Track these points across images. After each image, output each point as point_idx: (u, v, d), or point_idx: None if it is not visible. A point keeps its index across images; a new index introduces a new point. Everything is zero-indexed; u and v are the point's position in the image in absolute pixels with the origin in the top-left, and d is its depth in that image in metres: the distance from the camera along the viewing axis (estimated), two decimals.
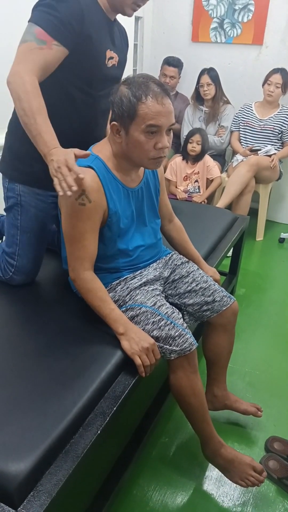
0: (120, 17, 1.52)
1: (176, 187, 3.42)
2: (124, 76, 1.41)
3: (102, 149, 1.39)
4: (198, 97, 3.56)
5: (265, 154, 3.32)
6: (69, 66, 1.37)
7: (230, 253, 2.54)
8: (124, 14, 1.47)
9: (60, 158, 1.20)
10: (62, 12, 1.28)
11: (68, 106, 1.45)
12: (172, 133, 1.36)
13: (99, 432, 1.07)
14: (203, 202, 3.30)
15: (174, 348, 1.32)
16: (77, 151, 1.21)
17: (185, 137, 3.42)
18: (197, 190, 3.39)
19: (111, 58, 1.49)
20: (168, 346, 1.32)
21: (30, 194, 1.52)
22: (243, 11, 3.57)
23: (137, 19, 3.69)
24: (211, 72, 3.42)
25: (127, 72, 2.79)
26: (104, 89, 1.50)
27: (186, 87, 3.74)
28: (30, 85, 1.25)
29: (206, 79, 3.42)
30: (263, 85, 3.37)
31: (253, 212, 3.42)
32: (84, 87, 1.44)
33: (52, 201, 1.54)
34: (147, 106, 1.24)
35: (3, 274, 1.61)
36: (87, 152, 1.23)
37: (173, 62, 3.63)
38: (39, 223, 1.57)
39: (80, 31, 1.33)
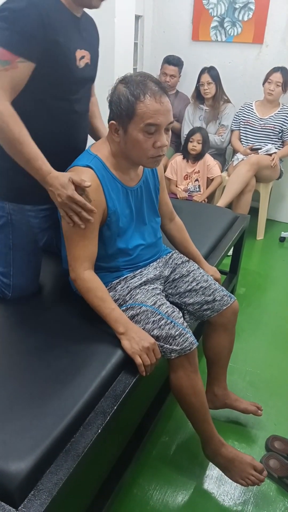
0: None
1: (176, 186, 3.42)
2: (117, 73, 1.40)
3: (101, 149, 1.39)
4: (198, 96, 3.56)
5: (265, 153, 3.32)
6: (38, 76, 1.29)
7: (230, 252, 2.53)
8: (91, 6, 1.36)
9: (61, 193, 1.24)
10: (21, 24, 1.19)
11: (44, 114, 1.38)
12: (171, 132, 1.36)
13: (99, 431, 1.07)
14: (203, 201, 3.30)
15: (175, 347, 1.32)
16: (74, 179, 1.24)
17: (185, 136, 3.41)
18: (198, 189, 3.38)
19: (83, 57, 1.40)
20: (168, 346, 1.32)
21: (20, 211, 1.47)
22: (243, 10, 3.57)
23: (137, 18, 3.69)
24: (211, 71, 3.41)
25: (126, 70, 2.78)
26: (80, 90, 1.44)
27: (187, 86, 3.74)
28: (6, 114, 1.22)
29: (206, 78, 3.41)
30: (263, 84, 3.36)
31: (254, 211, 3.42)
32: (58, 93, 1.37)
33: (44, 215, 1.51)
34: (146, 105, 1.24)
35: (1, 295, 1.55)
36: (84, 181, 1.25)
37: (173, 61, 3.62)
38: (32, 240, 1.52)
39: (44, 38, 1.24)
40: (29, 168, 1.28)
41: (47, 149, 1.31)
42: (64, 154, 1.39)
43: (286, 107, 3.39)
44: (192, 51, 3.80)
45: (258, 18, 3.54)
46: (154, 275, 1.52)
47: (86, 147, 1.50)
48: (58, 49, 1.29)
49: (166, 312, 1.36)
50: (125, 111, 1.27)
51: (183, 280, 1.59)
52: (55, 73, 1.32)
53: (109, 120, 1.33)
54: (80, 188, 1.27)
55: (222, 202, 3.15)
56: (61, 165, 1.35)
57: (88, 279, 1.34)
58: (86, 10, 1.45)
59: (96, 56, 1.52)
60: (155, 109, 1.25)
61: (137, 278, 1.48)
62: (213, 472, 1.57)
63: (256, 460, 1.45)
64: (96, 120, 1.68)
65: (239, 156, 3.39)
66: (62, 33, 1.30)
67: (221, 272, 2.47)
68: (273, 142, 3.39)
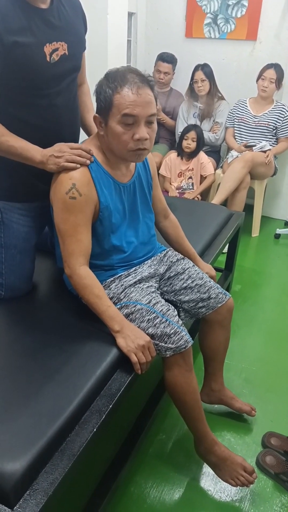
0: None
1: (170, 183, 3.42)
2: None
3: (91, 144, 1.39)
4: (192, 93, 3.55)
5: (260, 150, 3.32)
6: (7, 78, 1.29)
7: (226, 249, 2.53)
8: None
9: (60, 148, 1.26)
10: None
11: (24, 114, 1.36)
12: (156, 126, 1.34)
13: (95, 430, 1.07)
14: (196, 198, 3.30)
15: (170, 345, 1.32)
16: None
17: (180, 133, 3.41)
18: (191, 187, 3.38)
19: (55, 50, 1.34)
20: (163, 344, 1.32)
21: (11, 209, 1.47)
22: (236, 7, 3.57)
23: (130, 15, 3.68)
24: (205, 68, 3.41)
25: (120, 66, 2.74)
26: (60, 84, 1.39)
27: (181, 83, 3.73)
28: None
29: (200, 75, 3.41)
30: (257, 80, 3.36)
31: (249, 208, 3.42)
32: (32, 91, 1.34)
33: (36, 213, 1.50)
34: (122, 96, 1.24)
35: None
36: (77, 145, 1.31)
37: (167, 58, 3.61)
38: (23, 239, 1.51)
39: (1, 44, 1.22)
40: (24, 158, 1.31)
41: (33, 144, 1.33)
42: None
43: (280, 104, 3.39)
44: (186, 48, 3.79)
45: (251, 15, 3.54)
46: (149, 273, 1.52)
47: (79, 142, 1.50)
48: (19, 50, 1.25)
49: (161, 311, 1.36)
50: (103, 103, 1.28)
51: (178, 278, 1.58)
52: (22, 73, 1.29)
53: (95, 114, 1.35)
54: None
55: (217, 199, 3.15)
56: None
57: (84, 275, 1.34)
58: None
59: (78, 42, 1.44)
60: (131, 100, 1.24)
61: (132, 277, 1.47)
62: (209, 469, 1.56)
63: (247, 462, 1.45)
64: (87, 114, 1.65)
65: (234, 153, 3.39)
66: (21, 32, 1.25)
67: (217, 269, 2.47)
68: (267, 139, 3.39)
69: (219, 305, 1.58)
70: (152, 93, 1.29)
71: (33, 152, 1.33)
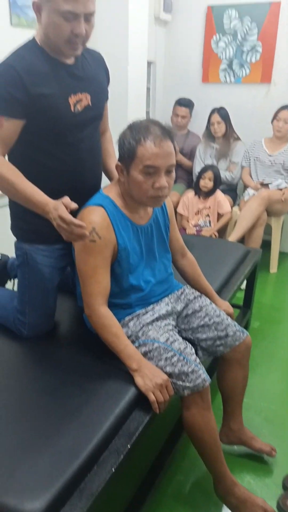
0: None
1: (188, 221, 3.48)
2: (130, 116, 1.46)
3: (111, 190, 1.47)
4: (209, 135, 3.67)
5: (276, 187, 3.38)
6: (32, 127, 1.38)
7: (244, 286, 2.55)
8: (65, 55, 1.39)
9: (54, 215, 1.27)
10: (2, 87, 1.29)
11: (48, 162, 1.45)
12: (174, 174, 1.42)
13: (113, 470, 1.08)
14: (213, 236, 3.35)
15: (187, 384, 1.33)
16: (65, 202, 1.27)
17: (197, 173, 3.51)
18: (208, 224, 3.44)
19: (79, 101, 1.44)
20: (181, 382, 1.34)
21: (35, 251, 1.54)
22: (251, 52, 3.72)
23: (149, 64, 3.87)
24: (221, 111, 3.54)
25: (140, 113, 2.86)
26: (83, 132, 1.48)
27: (198, 126, 3.86)
28: None
29: (216, 117, 3.53)
30: (272, 121, 3.46)
31: (266, 245, 3.44)
32: (56, 139, 1.42)
33: (59, 254, 1.57)
34: (145, 148, 1.32)
35: (18, 333, 1.60)
36: (75, 205, 1.27)
37: (184, 103, 3.77)
38: (46, 279, 1.57)
39: (26, 96, 1.32)
40: (30, 205, 1.35)
41: (55, 189, 1.38)
42: (74, 192, 1.43)
43: None
44: (202, 93, 3.95)
45: (266, 59, 3.68)
46: (166, 310, 1.56)
47: (101, 185, 1.58)
48: (45, 101, 1.35)
49: (178, 349, 1.38)
50: (127, 154, 1.36)
51: (196, 316, 1.61)
52: (47, 122, 1.39)
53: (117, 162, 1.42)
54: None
55: (234, 236, 3.19)
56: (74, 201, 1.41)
57: (103, 315, 1.38)
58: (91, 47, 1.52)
59: (101, 93, 1.55)
60: (153, 152, 1.32)
61: (149, 314, 1.51)
62: (229, 511, 1.54)
63: (268, 503, 1.42)
64: (110, 160, 1.73)
65: (250, 191, 3.46)
66: (47, 84, 1.36)
67: (235, 306, 2.48)
68: (283, 177, 3.46)
69: (237, 343, 1.59)
70: (172, 145, 1.37)
71: (36, 207, 1.35)
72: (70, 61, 1.43)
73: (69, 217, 1.24)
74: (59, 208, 1.26)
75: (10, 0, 2.29)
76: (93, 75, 1.51)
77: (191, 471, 1.70)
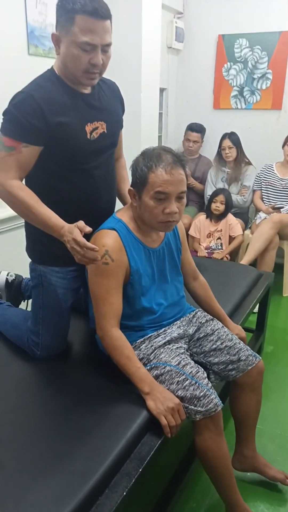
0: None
1: (199, 244, 3.50)
2: (144, 144, 1.50)
3: (124, 213, 1.51)
4: (220, 160, 3.72)
5: (287, 211, 3.39)
6: (49, 154, 1.42)
7: (256, 309, 2.54)
8: (83, 84, 1.43)
9: (69, 238, 1.32)
10: (21, 115, 1.33)
11: (64, 187, 1.48)
12: (185, 200, 1.45)
13: (125, 494, 1.07)
14: (224, 258, 3.36)
15: (199, 408, 1.32)
16: (80, 225, 1.32)
17: (209, 196, 3.54)
18: (220, 247, 3.45)
19: (95, 129, 1.48)
20: (193, 407, 1.33)
21: (50, 273, 1.56)
22: (261, 79, 3.80)
23: (162, 90, 3.97)
24: (232, 136, 3.60)
25: (152, 138, 2.92)
26: (98, 159, 1.52)
27: (209, 150, 3.93)
28: (16, 188, 1.38)
29: (227, 143, 3.59)
30: (283, 146, 3.50)
31: (279, 268, 3.43)
32: (72, 165, 1.46)
33: (72, 276, 1.59)
34: (156, 175, 1.36)
35: (31, 353, 1.62)
36: (89, 228, 1.32)
37: (196, 128, 3.85)
38: (60, 300, 1.59)
39: (45, 124, 1.36)
40: (47, 228, 1.40)
41: (71, 213, 1.42)
42: (89, 216, 1.46)
43: None
44: (214, 118, 4.02)
45: (276, 86, 3.76)
46: (178, 334, 1.56)
47: (115, 209, 1.62)
48: (63, 129, 1.40)
49: (190, 373, 1.38)
50: (139, 179, 1.40)
51: (208, 339, 1.61)
52: (64, 149, 1.43)
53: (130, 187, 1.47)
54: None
55: (246, 260, 3.20)
56: (88, 225, 1.43)
57: (115, 337, 1.39)
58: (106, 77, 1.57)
59: (116, 122, 1.60)
60: (164, 179, 1.36)
61: (161, 337, 1.51)
62: None
63: None
64: (124, 185, 1.78)
65: (262, 214, 3.48)
66: (65, 113, 1.40)
67: (248, 329, 2.47)
68: None
69: (249, 367, 1.58)
70: (183, 172, 1.40)
71: (52, 230, 1.39)
72: (86, 90, 1.48)
73: (82, 240, 1.28)
74: (73, 231, 1.31)
75: (28, 31, 2.39)
76: (108, 105, 1.56)
77: (204, 499, 1.66)
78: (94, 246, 1.28)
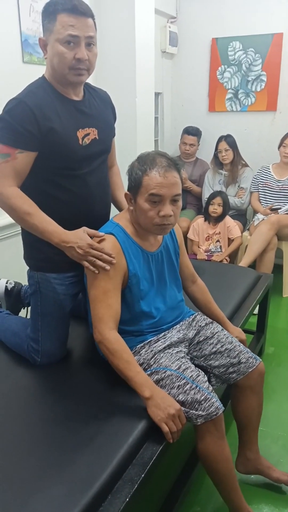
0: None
1: (198, 246, 3.51)
2: (140, 148, 1.52)
3: (122, 218, 1.52)
4: (217, 162, 3.73)
5: (285, 212, 3.40)
6: (43, 160, 1.44)
7: (256, 311, 2.54)
8: (71, 82, 1.44)
9: (81, 244, 1.36)
10: (15, 121, 1.36)
11: (58, 193, 1.50)
12: (181, 203, 1.46)
13: (127, 499, 1.07)
14: (224, 261, 3.36)
15: (200, 412, 1.32)
16: (87, 230, 1.37)
17: (206, 199, 3.55)
18: (219, 250, 3.46)
19: (87, 135, 1.50)
20: (194, 411, 1.32)
21: (47, 280, 1.57)
22: (256, 82, 3.82)
23: (157, 94, 3.98)
24: (228, 139, 3.61)
25: (149, 142, 2.95)
26: (91, 165, 1.54)
27: (205, 153, 3.93)
28: (14, 195, 1.40)
29: (224, 145, 3.60)
30: (278, 147, 3.51)
31: (278, 268, 3.43)
32: (64, 171, 1.48)
33: (71, 282, 1.60)
34: (150, 178, 1.38)
35: (31, 361, 1.62)
36: (102, 234, 1.38)
37: (192, 131, 3.86)
38: (58, 306, 1.59)
39: (38, 130, 1.38)
40: (46, 235, 1.42)
41: (66, 219, 1.44)
42: (84, 222, 1.49)
43: None
44: (209, 121, 4.04)
45: (270, 88, 3.77)
46: (178, 338, 1.56)
47: (110, 216, 1.62)
48: (55, 135, 1.42)
49: (191, 377, 1.38)
50: (134, 183, 1.42)
51: (208, 342, 1.61)
52: (57, 155, 1.45)
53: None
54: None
55: (244, 261, 3.20)
56: None
57: (113, 340, 1.37)
58: (98, 86, 1.61)
59: (107, 129, 1.61)
60: (158, 182, 1.37)
61: (161, 342, 1.51)
62: None
63: None
64: (118, 192, 1.79)
65: (260, 216, 3.48)
66: (56, 119, 1.42)
67: (248, 331, 2.47)
68: None
69: (250, 370, 1.58)
70: (178, 176, 1.41)
71: (52, 236, 1.41)
72: (77, 97, 1.51)
73: (100, 246, 1.35)
74: (85, 237, 1.37)
75: (22, 39, 2.41)
76: (99, 112, 1.58)
77: (208, 503, 1.66)
78: (111, 252, 1.35)
